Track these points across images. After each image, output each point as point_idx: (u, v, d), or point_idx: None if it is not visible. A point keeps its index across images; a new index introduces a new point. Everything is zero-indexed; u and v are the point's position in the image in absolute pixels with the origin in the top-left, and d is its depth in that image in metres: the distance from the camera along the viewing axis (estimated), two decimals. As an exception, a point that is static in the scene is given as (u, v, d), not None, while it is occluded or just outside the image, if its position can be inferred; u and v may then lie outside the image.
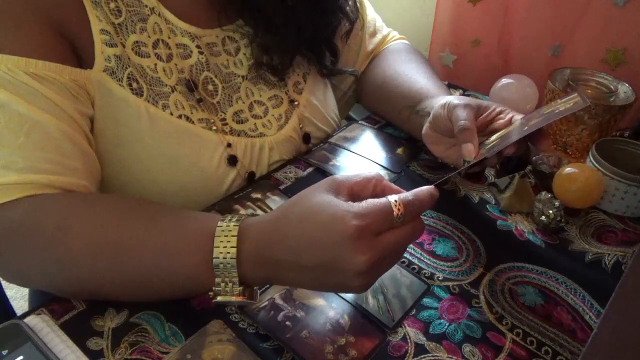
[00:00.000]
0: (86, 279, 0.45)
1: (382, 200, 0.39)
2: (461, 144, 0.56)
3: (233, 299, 0.42)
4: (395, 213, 0.39)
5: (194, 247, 0.43)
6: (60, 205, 0.46)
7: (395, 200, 0.39)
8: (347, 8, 0.71)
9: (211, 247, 0.41)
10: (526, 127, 0.53)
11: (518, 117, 0.58)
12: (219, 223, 0.42)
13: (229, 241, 0.41)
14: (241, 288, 0.42)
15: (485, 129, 0.60)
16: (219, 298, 0.42)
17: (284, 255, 0.40)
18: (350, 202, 0.39)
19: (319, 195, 0.40)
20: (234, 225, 0.42)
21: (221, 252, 0.41)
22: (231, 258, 0.41)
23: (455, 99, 0.60)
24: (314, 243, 0.39)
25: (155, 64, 0.57)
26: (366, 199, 0.40)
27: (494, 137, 0.57)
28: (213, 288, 0.42)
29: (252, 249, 0.41)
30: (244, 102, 0.65)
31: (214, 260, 0.41)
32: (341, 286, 0.42)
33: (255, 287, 0.44)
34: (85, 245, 0.44)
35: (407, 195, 0.41)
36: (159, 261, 0.43)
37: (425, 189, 0.42)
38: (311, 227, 0.39)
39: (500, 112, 0.60)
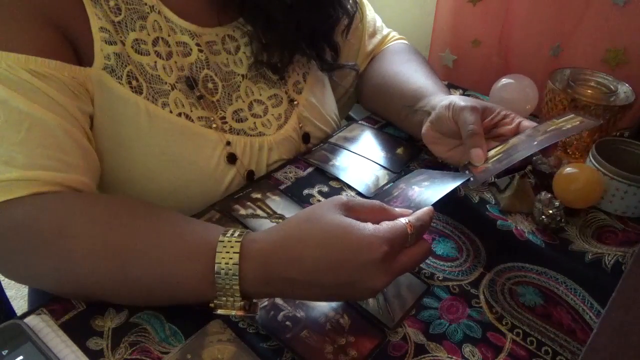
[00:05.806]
0: (86, 284, 0.45)
1: (398, 223, 0.42)
2: (470, 149, 0.56)
3: (234, 312, 0.42)
4: (408, 233, 0.42)
5: (195, 259, 0.43)
6: (62, 208, 0.46)
7: (407, 222, 0.42)
8: (348, 6, 0.71)
9: (213, 261, 0.41)
10: (535, 142, 0.53)
11: (525, 122, 0.58)
12: (221, 237, 0.42)
13: (230, 258, 0.41)
14: (242, 303, 0.42)
15: (488, 132, 0.60)
16: (219, 311, 0.42)
17: (298, 275, 0.40)
18: (370, 225, 0.41)
19: (335, 216, 0.41)
20: (235, 241, 0.42)
21: (222, 268, 0.41)
22: (233, 274, 0.41)
23: (459, 99, 0.60)
24: (337, 265, 0.39)
25: (155, 62, 0.57)
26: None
27: (495, 150, 0.57)
28: (214, 301, 0.42)
29: (256, 267, 0.41)
30: (243, 101, 0.65)
31: (216, 276, 0.41)
32: (348, 299, 0.47)
33: (255, 300, 0.44)
34: (86, 251, 0.43)
35: (412, 218, 0.43)
36: (159, 271, 0.43)
37: (424, 210, 0.45)
38: (335, 249, 0.40)
39: (505, 117, 0.60)
